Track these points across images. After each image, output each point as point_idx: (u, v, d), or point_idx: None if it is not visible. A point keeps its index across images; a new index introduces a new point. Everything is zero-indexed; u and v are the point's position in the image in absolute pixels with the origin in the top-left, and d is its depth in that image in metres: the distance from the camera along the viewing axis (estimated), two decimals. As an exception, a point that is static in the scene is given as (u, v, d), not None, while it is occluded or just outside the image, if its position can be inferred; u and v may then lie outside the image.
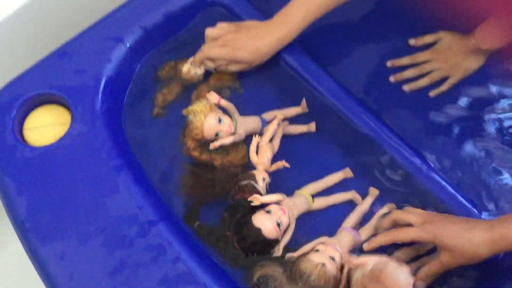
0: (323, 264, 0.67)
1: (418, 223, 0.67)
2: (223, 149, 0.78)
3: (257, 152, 0.77)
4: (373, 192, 0.76)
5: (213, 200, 0.76)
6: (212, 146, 0.77)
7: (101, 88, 0.79)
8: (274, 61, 0.84)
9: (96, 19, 0.84)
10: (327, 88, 0.81)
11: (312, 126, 0.82)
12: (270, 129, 0.78)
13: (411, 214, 0.69)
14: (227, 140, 0.77)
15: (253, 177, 0.74)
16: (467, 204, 0.73)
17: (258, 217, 0.71)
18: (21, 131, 0.78)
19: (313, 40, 0.89)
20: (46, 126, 0.78)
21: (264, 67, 0.84)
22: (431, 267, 0.66)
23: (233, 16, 0.88)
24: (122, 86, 0.84)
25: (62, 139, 0.75)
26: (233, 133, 0.78)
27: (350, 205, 0.77)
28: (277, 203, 0.73)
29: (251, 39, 0.80)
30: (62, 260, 0.68)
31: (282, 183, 0.78)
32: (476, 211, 0.73)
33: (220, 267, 0.71)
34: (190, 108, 0.77)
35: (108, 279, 0.66)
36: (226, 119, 0.78)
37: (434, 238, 0.65)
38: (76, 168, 0.73)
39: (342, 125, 0.80)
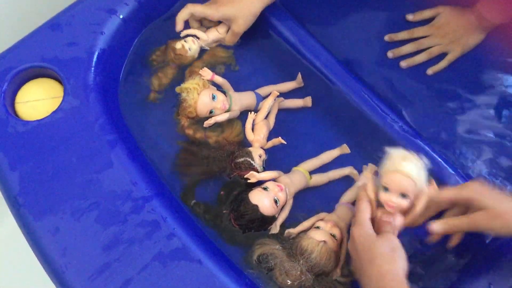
0: (325, 242, 0.67)
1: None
2: (217, 126, 0.78)
3: (252, 129, 0.77)
4: (372, 167, 0.76)
5: (209, 178, 0.76)
6: (206, 123, 0.76)
7: (94, 61, 0.78)
8: (268, 34, 0.82)
9: (88, -11, 0.82)
10: (324, 63, 0.80)
11: (307, 101, 0.81)
12: (266, 106, 0.77)
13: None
14: (221, 118, 0.76)
15: (249, 154, 0.73)
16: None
17: (255, 194, 0.70)
18: (13, 105, 0.77)
19: (309, 13, 0.88)
20: (38, 100, 0.76)
21: (259, 42, 0.82)
22: (461, 220, 0.63)
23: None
24: (117, 60, 0.82)
25: (54, 113, 0.74)
26: (228, 110, 0.77)
27: (347, 181, 0.77)
28: (274, 180, 0.73)
29: None
30: (56, 235, 0.67)
31: (278, 160, 0.77)
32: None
33: (214, 243, 0.70)
34: (183, 85, 0.76)
35: (102, 254, 0.65)
36: (220, 95, 0.76)
37: (475, 194, 0.61)
38: (69, 143, 0.72)
39: (339, 100, 0.79)
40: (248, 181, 0.71)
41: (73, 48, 0.78)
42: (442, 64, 0.84)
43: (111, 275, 0.64)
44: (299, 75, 0.81)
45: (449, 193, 0.63)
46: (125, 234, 0.66)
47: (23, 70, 0.77)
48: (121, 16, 0.81)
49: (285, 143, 0.75)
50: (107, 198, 0.69)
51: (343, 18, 0.90)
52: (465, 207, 0.64)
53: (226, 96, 0.78)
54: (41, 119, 0.73)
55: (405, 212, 0.64)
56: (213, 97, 0.76)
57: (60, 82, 0.78)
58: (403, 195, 0.62)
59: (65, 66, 0.76)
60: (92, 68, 0.77)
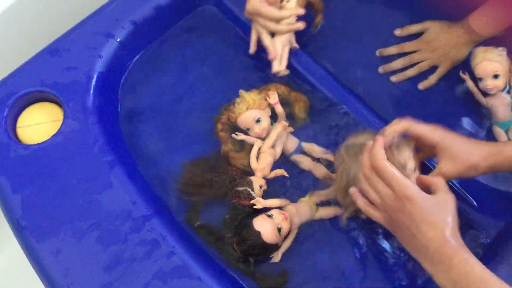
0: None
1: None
2: (239, 144, 0.79)
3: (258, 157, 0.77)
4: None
5: (213, 200, 0.77)
6: (234, 136, 0.78)
7: (92, 84, 0.79)
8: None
9: (86, 14, 0.84)
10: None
11: (329, 155, 0.79)
12: (273, 134, 0.77)
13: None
14: (249, 140, 0.77)
15: (250, 184, 0.73)
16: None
17: (259, 221, 0.70)
18: (15, 129, 0.78)
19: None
20: (39, 124, 0.78)
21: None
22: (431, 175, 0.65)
23: (224, 13, 0.88)
24: (115, 82, 0.84)
25: (54, 136, 0.75)
26: (262, 139, 0.77)
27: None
28: (280, 208, 0.73)
29: None
30: (58, 257, 0.68)
31: (285, 188, 0.78)
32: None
33: (214, 260, 0.71)
34: (244, 92, 0.78)
35: (103, 274, 0.66)
36: (265, 123, 0.77)
37: (443, 139, 0.65)
38: (70, 165, 0.73)
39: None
40: (254, 206, 0.72)
41: (72, 72, 0.79)
42: (432, 78, 0.85)
43: (113, 294, 0.65)
44: (333, 154, 0.78)
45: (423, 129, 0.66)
46: (126, 253, 0.67)
47: (24, 95, 0.78)
48: (118, 40, 0.82)
49: (287, 175, 0.76)
50: (107, 218, 0.70)
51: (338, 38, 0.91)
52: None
53: (271, 125, 0.78)
54: (41, 143, 0.75)
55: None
56: (258, 120, 0.77)
57: (60, 105, 0.79)
58: (495, 76, 0.78)
59: (64, 90, 0.78)
60: (91, 91, 0.79)
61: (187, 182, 0.77)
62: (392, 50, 0.87)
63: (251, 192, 0.72)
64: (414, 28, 0.88)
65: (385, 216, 0.62)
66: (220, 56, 0.88)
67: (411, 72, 0.85)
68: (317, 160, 0.79)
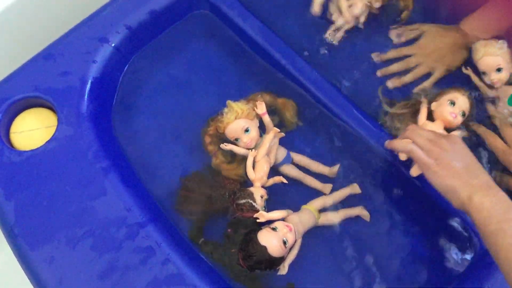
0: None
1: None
2: (230, 155, 0.78)
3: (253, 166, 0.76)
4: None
5: (215, 216, 0.76)
6: (222, 146, 0.77)
7: (87, 89, 0.79)
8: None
9: (80, 19, 0.83)
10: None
11: (327, 188, 0.78)
12: (266, 142, 0.76)
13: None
14: (238, 150, 0.77)
15: (251, 196, 0.72)
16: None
17: (263, 235, 0.70)
18: (8, 135, 0.78)
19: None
20: (32, 130, 0.77)
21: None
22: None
23: (219, 17, 0.88)
24: (109, 87, 0.83)
25: (48, 142, 0.75)
26: (251, 149, 0.77)
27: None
28: (283, 219, 0.72)
29: None
30: (52, 264, 0.67)
31: (286, 196, 0.78)
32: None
33: (209, 267, 0.70)
34: (232, 102, 0.77)
35: (98, 282, 0.66)
36: (253, 133, 0.77)
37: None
38: (64, 171, 0.73)
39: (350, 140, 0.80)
40: (257, 220, 0.71)
41: (66, 78, 0.79)
42: (427, 84, 0.84)
43: (107, 302, 0.64)
44: (336, 168, 0.79)
45: None
46: (120, 261, 0.67)
47: (17, 101, 0.78)
48: (113, 44, 0.82)
49: (286, 182, 0.75)
50: (101, 225, 0.69)
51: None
52: None
53: (259, 137, 0.78)
54: (35, 149, 0.74)
55: None
56: (246, 130, 0.76)
57: (54, 111, 0.79)
58: (499, 70, 0.78)
59: (58, 96, 0.78)
60: (85, 97, 0.78)
61: (186, 201, 0.77)
62: (390, 54, 0.87)
63: (254, 204, 0.72)
64: (410, 33, 0.87)
65: (432, 161, 0.65)
66: (214, 61, 0.88)
67: (406, 79, 0.85)
68: (307, 170, 0.80)
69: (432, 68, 0.85)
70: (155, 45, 0.88)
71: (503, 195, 0.60)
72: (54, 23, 0.87)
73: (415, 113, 0.80)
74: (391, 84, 0.85)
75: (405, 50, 0.86)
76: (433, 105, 0.79)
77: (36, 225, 0.70)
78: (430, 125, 0.77)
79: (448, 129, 0.77)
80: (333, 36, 0.87)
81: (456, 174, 0.63)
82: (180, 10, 0.87)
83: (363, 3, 0.85)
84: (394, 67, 0.86)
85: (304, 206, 0.75)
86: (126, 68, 0.85)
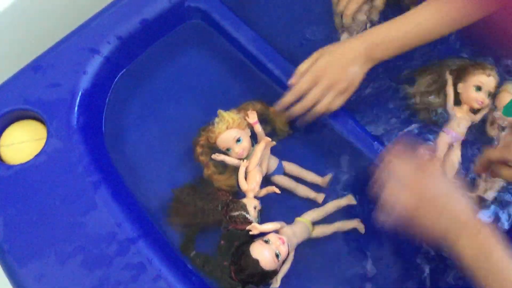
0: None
1: None
2: (221, 165, 0.77)
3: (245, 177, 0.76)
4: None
5: (207, 228, 0.75)
6: (214, 156, 0.76)
7: (77, 101, 0.77)
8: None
9: (70, 29, 0.82)
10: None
11: (320, 197, 0.78)
12: (258, 152, 0.75)
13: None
14: (229, 161, 0.76)
15: (244, 208, 0.72)
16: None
17: (256, 248, 0.69)
18: (-3, 148, 0.77)
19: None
20: (22, 143, 0.76)
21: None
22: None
23: (211, 26, 0.87)
24: (100, 99, 0.82)
25: (38, 155, 0.74)
26: (243, 159, 0.76)
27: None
28: (276, 231, 0.72)
29: None
30: (41, 281, 0.66)
31: (278, 207, 0.77)
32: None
33: (202, 283, 0.70)
34: (223, 112, 0.76)
35: (88, 300, 0.65)
36: (245, 143, 0.76)
37: None
38: (53, 186, 0.72)
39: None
40: (250, 233, 0.70)
41: (55, 89, 0.78)
42: (333, 108, 0.77)
43: (97, 321, 0.63)
44: (328, 177, 0.78)
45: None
46: (111, 278, 0.66)
47: (6, 113, 0.77)
48: (103, 55, 0.81)
49: (279, 192, 0.74)
50: (91, 241, 0.68)
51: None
52: None
53: (251, 146, 0.77)
54: (24, 163, 0.73)
55: None
56: (238, 140, 0.76)
57: (43, 122, 0.77)
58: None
59: (48, 108, 0.76)
60: (75, 109, 0.77)
61: (178, 213, 0.76)
62: (289, 97, 0.77)
63: (247, 216, 0.71)
64: (304, 67, 0.77)
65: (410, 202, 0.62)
66: (205, 71, 0.87)
67: (316, 112, 0.77)
68: (299, 179, 0.79)
69: (337, 91, 0.76)
70: (146, 56, 0.87)
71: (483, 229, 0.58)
72: (43, 34, 0.86)
73: (441, 87, 0.80)
74: (300, 123, 0.79)
75: (303, 84, 0.76)
76: (459, 87, 0.79)
77: (25, 240, 0.69)
78: (457, 110, 0.79)
79: (475, 110, 0.79)
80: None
81: (430, 221, 0.61)
82: (171, 20, 0.86)
83: (363, 17, 0.85)
84: (297, 109, 0.77)
85: (298, 219, 0.75)
86: (116, 79, 0.84)
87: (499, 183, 0.76)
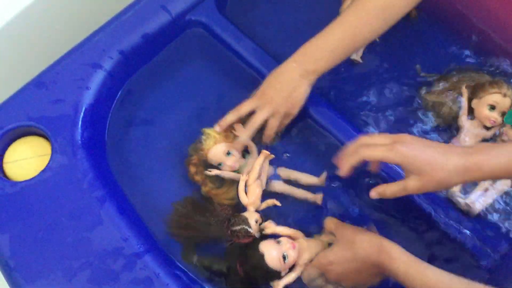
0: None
1: (387, 143, 0.61)
2: (218, 179, 0.78)
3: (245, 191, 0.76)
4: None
5: (204, 245, 0.76)
6: (207, 172, 0.76)
7: (80, 117, 0.78)
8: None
9: (72, 45, 0.82)
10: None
11: (318, 198, 0.78)
12: (257, 166, 0.76)
13: (378, 136, 0.63)
14: (224, 174, 0.77)
15: (245, 222, 0.72)
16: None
17: (265, 244, 0.70)
18: (1, 165, 0.77)
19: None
20: (26, 159, 0.76)
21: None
22: (392, 187, 0.61)
23: (213, 36, 0.87)
24: (103, 114, 0.82)
25: (42, 172, 0.74)
26: (237, 171, 0.77)
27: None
28: (291, 238, 0.72)
29: None
30: (48, 299, 0.66)
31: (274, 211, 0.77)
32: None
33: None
34: (207, 129, 0.77)
35: (96, 316, 0.65)
36: (236, 155, 0.77)
37: (404, 159, 0.58)
38: (59, 202, 0.72)
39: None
40: (263, 232, 0.71)
41: (59, 105, 0.78)
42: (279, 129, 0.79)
43: (106, 337, 0.63)
44: (324, 175, 0.79)
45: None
46: (119, 293, 0.66)
47: (10, 130, 0.77)
48: (106, 70, 0.81)
49: (280, 205, 0.75)
50: (98, 256, 0.68)
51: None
52: None
53: (243, 158, 0.78)
54: (29, 179, 0.73)
55: None
56: (228, 153, 0.76)
57: (47, 138, 0.78)
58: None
59: (52, 124, 0.77)
60: (79, 124, 0.77)
61: (178, 226, 0.76)
62: (230, 118, 0.77)
63: (249, 230, 0.71)
64: (245, 108, 0.77)
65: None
66: (209, 82, 0.87)
67: (266, 139, 0.79)
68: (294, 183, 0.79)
69: (282, 115, 0.77)
70: (148, 69, 0.87)
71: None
72: (45, 50, 0.87)
73: (454, 99, 0.81)
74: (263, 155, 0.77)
75: (244, 108, 0.77)
76: (474, 103, 0.79)
77: (32, 257, 0.69)
78: (469, 124, 0.79)
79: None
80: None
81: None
82: (173, 31, 0.87)
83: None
84: (243, 136, 0.77)
85: (316, 236, 0.74)
86: (119, 93, 0.85)
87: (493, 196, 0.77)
